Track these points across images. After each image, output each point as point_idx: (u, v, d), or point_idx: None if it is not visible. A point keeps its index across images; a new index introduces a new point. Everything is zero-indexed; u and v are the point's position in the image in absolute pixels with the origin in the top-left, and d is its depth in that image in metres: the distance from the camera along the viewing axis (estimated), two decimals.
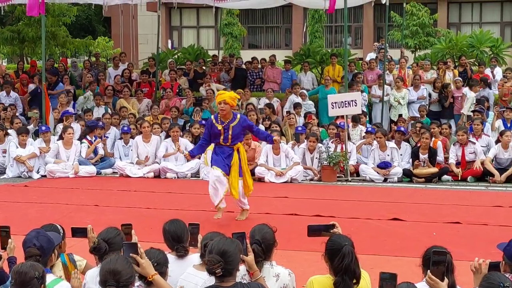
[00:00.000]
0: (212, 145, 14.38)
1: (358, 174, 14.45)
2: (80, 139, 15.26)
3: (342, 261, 4.57)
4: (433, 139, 14.33)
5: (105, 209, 10.89)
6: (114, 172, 15.10)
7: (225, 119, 9.78)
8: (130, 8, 29.20)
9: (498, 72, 19.01)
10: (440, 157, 14.20)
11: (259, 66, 20.62)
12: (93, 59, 22.88)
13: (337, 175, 14.15)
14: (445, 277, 4.41)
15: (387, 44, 21.27)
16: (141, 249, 4.60)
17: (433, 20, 26.98)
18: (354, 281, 4.61)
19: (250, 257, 4.81)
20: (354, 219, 10.09)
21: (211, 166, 10.08)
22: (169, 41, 33.03)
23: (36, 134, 15.84)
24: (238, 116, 9.95)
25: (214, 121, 9.89)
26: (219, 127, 9.79)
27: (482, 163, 13.87)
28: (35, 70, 21.02)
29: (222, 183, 9.80)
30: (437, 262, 4.41)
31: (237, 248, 4.47)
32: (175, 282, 5.09)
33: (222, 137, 9.81)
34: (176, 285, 5.08)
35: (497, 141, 14.33)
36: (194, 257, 5.45)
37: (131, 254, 4.48)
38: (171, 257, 5.40)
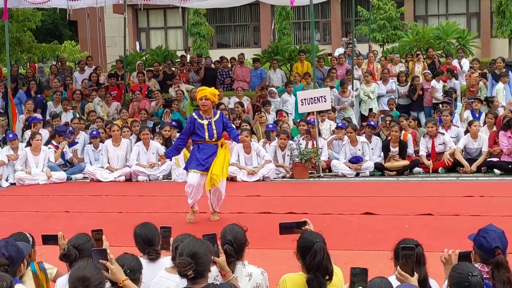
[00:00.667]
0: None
1: (330, 170, 14.46)
2: (46, 144, 15.07)
3: (314, 258, 4.57)
4: (403, 132, 14.39)
5: (76, 215, 10.79)
6: (84, 177, 14.95)
7: (207, 114, 9.83)
8: (96, 11, 28.97)
9: (465, 63, 19.15)
10: (410, 149, 14.28)
11: (229, 65, 20.58)
12: (59, 64, 22.62)
13: (309, 171, 14.16)
14: (415, 271, 4.42)
15: (355, 39, 21.34)
16: (111, 254, 4.55)
17: (400, 13, 27.16)
18: (327, 277, 4.62)
19: (222, 258, 4.79)
20: (327, 214, 10.12)
21: (188, 170, 10.10)
22: (137, 43, 32.84)
23: (3, 142, 15.63)
24: (218, 112, 10.05)
25: (196, 117, 9.89)
26: (205, 122, 9.81)
27: (453, 154, 13.95)
28: (1, 77, 20.76)
29: (200, 185, 9.85)
30: (406, 257, 4.42)
31: (207, 249, 4.46)
32: (147, 286, 5.05)
33: (207, 133, 9.83)
34: None
35: (466, 132, 14.44)
36: (166, 260, 5.42)
37: (100, 260, 4.43)
38: (142, 261, 5.36)
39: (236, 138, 10.63)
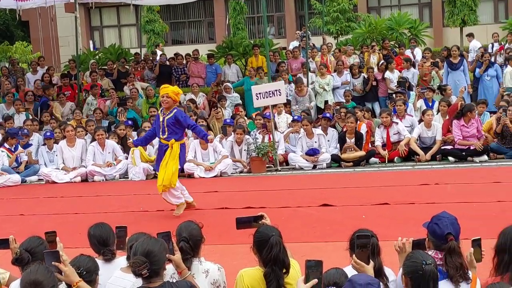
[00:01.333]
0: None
1: (287, 163, 14.49)
2: None
3: (270, 252, 4.58)
4: (358, 122, 14.49)
5: (31, 217, 10.64)
6: (39, 179, 14.75)
7: (166, 111, 9.94)
8: (48, 11, 28.60)
9: (418, 52, 19.37)
10: (364, 140, 14.37)
11: (184, 61, 20.49)
12: (10, 65, 22.28)
13: (266, 165, 14.16)
14: (371, 260, 4.44)
15: (309, 32, 21.40)
16: (64, 256, 4.49)
17: (353, 5, 27.30)
18: (284, 270, 4.62)
19: (177, 256, 4.76)
20: (285, 208, 10.14)
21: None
22: (91, 42, 32.50)
23: None
24: (175, 110, 10.00)
25: (160, 113, 10.09)
26: (161, 118, 9.95)
27: (408, 144, 14.08)
28: None
29: None
30: (361, 245, 4.44)
31: (162, 247, 4.42)
32: (102, 287, 5.00)
33: (161, 129, 9.94)
34: None
35: (420, 121, 14.59)
36: (121, 260, 5.38)
37: (53, 263, 4.36)
38: (98, 261, 5.31)
39: (205, 138, 10.60)
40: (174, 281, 4.51)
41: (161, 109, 10.26)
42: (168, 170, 9.89)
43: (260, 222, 5.20)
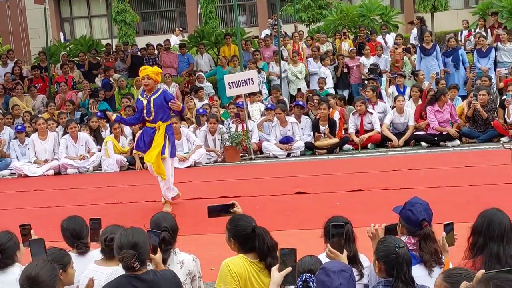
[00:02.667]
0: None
1: (261, 152, 14.50)
2: None
3: (264, 243, 4.61)
4: (331, 109, 14.52)
5: (3, 212, 10.53)
6: (12, 173, 14.61)
7: (148, 93, 9.66)
8: (17, 3, 28.30)
9: (390, 39, 19.44)
10: (337, 127, 14.42)
11: (155, 52, 20.37)
12: None
13: (241, 154, 14.16)
14: (345, 249, 4.47)
15: (280, 20, 21.38)
16: None
17: None
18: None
19: (158, 256, 4.74)
20: (259, 196, 10.17)
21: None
22: (61, 34, 32.18)
23: None
24: (161, 89, 9.82)
25: (140, 96, 9.82)
26: (144, 101, 9.64)
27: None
28: None
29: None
30: (335, 234, 4.46)
31: (145, 237, 4.42)
32: (77, 280, 4.97)
33: (145, 110, 9.64)
34: (78, 282, 4.97)
35: (393, 107, 14.66)
36: (95, 252, 5.35)
37: None
38: (72, 254, 5.28)
39: (182, 110, 10.26)
40: None
41: (140, 92, 10.00)
42: (154, 152, 9.64)
43: (231, 210, 5.20)
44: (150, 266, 4.62)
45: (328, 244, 4.46)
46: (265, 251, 4.61)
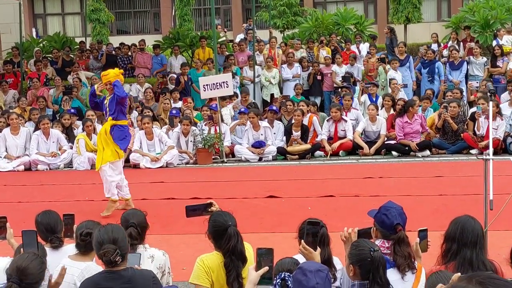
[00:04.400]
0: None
1: (233, 155, 14.54)
2: None
3: (228, 243, 4.67)
4: (309, 115, 14.62)
5: None
6: None
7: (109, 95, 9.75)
8: None
9: (363, 48, 19.60)
10: (318, 130, 14.52)
11: (129, 52, 20.31)
12: None
13: (213, 157, 14.18)
14: (319, 247, 4.52)
15: (254, 25, 21.45)
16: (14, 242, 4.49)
17: (299, 0, 27.45)
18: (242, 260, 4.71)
19: None
20: (231, 199, 10.19)
21: None
22: (34, 30, 31.92)
23: None
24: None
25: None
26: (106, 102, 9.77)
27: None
28: None
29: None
30: (310, 232, 4.51)
31: (124, 233, 4.47)
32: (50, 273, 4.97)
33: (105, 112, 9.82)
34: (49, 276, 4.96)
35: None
36: (68, 247, 5.35)
37: None
38: (46, 248, 5.28)
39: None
40: None
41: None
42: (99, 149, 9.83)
43: (209, 209, 5.24)
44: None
45: (302, 241, 4.52)
46: (226, 250, 4.68)
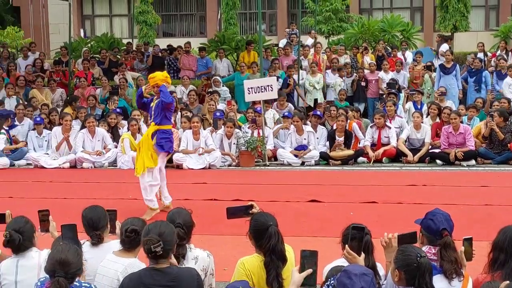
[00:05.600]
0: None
1: (276, 159, 14.53)
2: None
3: (269, 242, 4.67)
4: (349, 121, 14.55)
5: (19, 200, 10.62)
6: (28, 164, 14.70)
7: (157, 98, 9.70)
8: None
9: (409, 55, 19.46)
10: (360, 136, 14.46)
11: (177, 55, 20.45)
12: (1, 49, 22.16)
13: (255, 160, 14.20)
14: (364, 253, 4.50)
15: (297, 30, 21.43)
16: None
17: (345, 6, 27.35)
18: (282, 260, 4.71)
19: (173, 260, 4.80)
20: (273, 202, 10.17)
21: None
22: (82, 30, 32.38)
23: None
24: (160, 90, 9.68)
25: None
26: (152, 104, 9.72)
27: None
28: None
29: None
30: (355, 237, 4.49)
31: (172, 230, 4.51)
32: (94, 269, 5.03)
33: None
34: (95, 272, 5.02)
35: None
36: (112, 243, 5.38)
37: None
38: (86, 244, 5.34)
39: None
40: None
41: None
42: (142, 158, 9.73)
43: (250, 211, 5.25)
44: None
45: (346, 246, 4.50)
46: (266, 249, 4.69)
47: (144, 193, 9.68)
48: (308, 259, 4.20)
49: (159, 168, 9.76)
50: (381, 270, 4.87)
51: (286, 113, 15.28)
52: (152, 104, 9.70)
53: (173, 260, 4.59)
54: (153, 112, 9.66)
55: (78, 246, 4.83)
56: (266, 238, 4.68)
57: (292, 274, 4.22)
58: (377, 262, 4.89)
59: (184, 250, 5.05)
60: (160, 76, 9.68)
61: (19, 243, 5.01)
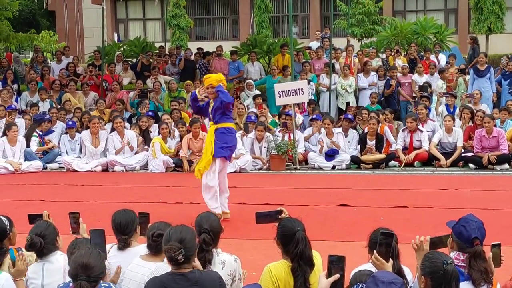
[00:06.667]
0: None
1: (306, 162, 14.50)
2: (28, 134, 15.04)
3: (296, 247, 4.65)
4: (380, 125, 14.46)
5: (51, 203, 10.68)
6: (60, 167, 14.86)
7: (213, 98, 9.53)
8: (74, 2, 28.88)
9: (442, 58, 19.27)
10: (391, 139, 14.35)
11: (209, 60, 20.49)
12: (34, 54, 22.48)
13: (286, 163, 14.18)
14: (391, 259, 4.46)
15: (332, 33, 21.37)
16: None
17: (378, 8, 27.18)
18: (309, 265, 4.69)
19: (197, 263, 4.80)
20: (303, 206, 10.17)
21: None
22: (115, 34, 32.66)
23: None
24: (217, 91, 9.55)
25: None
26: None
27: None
28: None
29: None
30: (383, 243, 4.46)
31: (193, 235, 4.51)
32: (122, 273, 5.05)
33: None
34: (122, 275, 5.04)
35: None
36: (138, 248, 5.40)
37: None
38: (114, 247, 5.38)
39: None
40: None
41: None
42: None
43: (279, 217, 5.25)
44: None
45: (374, 251, 4.47)
46: (293, 255, 4.66)
47: (203, 195, 9.61)
48: (336, 264, 4.18)
49: (216, 171, 9.51)
50: (409, 275, 4.82)
51: (315, 116, 15.20)
52: (209, 107, 9.56)
53: (197, 263, 4.58)
54: (214, 114, 9.49)
55: (103, 251, 4.86)
56: (293, 243, 4.66)
57: (320, 279, 4.21)
58: (406, 266, 4.85)
59: (210, 255, 5.04)
60: (215, 77, 9.60)
61: (41, 246, 5.05)
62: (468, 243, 4.59)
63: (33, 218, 5.52)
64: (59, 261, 5.10)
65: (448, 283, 4.08)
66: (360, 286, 3.99)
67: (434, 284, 4.13)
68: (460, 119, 14.85)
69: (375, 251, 4.47)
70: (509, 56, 19.03)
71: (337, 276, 4.12)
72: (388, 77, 17.66)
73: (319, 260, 4.93)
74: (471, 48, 19.05)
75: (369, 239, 4.90)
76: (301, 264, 4.64)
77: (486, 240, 4.84)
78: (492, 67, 17.32)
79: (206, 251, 4.99)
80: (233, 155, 13.87)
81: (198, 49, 21.39)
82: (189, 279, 4.33)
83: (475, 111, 14.56)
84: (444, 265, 4.12)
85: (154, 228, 5.15)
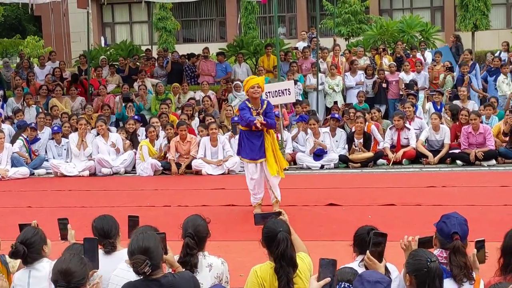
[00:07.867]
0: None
1: (295, 163, 14.48)
2: (13, 140, 14.98)
3: (278, 248, 4.66)
4: (367, 123, 14.47)
5: (38, 210, 10.67)
6: (48, 172, 14.78)
7: (256, 105, 9.58)
8: (60, 6, 28.71)
9: (428, 55, 19.33)
10: (378, 138, 14.35)
11: (196, 63, 20.50)
12: (19, 59, 22.42)
13: None
14: (384, 259, 4.49)
15: (318, 33, 21.39)
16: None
17: (364, 7, 27.25)
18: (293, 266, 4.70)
19: (170, 255, 4.84)
20: (291, 206, 10.13)
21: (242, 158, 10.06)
22: (102, 38, 32.60)
23: None
24: (266, 101, 9.79)
25: (250, 105, 9.61)
26: (255, 114, 9.54)
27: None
28: None
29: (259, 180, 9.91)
30: (376, 243, 4.48)
31: (156, 241, 4.48)
32: (107, 278, 5.03)
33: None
34: (108, 281, 5.02)
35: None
36: (125, 251, 5.37)
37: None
38: (100, 252, 5.35)
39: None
40: None
41: (243, 104, 9.77)
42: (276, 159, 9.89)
43: (278, 218, 5.25)
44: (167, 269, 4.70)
45: (368, 252, 4.50)
46: (275, 255, 4.69)
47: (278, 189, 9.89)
48: (327, 267, 4.18)
49: None
50: (394, 272, 4.83)
51: (298, 118, 15.18)
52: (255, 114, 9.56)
53: (166, 265, 4.64)
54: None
55: (95, 261, 4.83)
56: (275, 244, 4.67)
57: (310, 282, 4.21)
58: (392, 264, 4.86)
59: (196, 259, 5.05)
60: (260, 79, 9.89)
61: (25, 255, 5.03)
62: (449, 239, 4.61)
63: (23, 228, 5.45)
64: (45, 268, 5.08)
65: (432, 280, 4.10)
66: (343, 285, 3.99)
67: (419, 282, 4.15)
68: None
69: (368, 251, 4.48)
70: (493, 52, 19.11)
71: (328, 279, 4.12)
72: (376, 76, 17.69)
73: (306, 260, 4.93)
74: (454, 46, 19.10)
75: (354, 237, 4.91)
76: (283, 265, 4.66)
77: (473, 236, 4.85)
78: (477, 64, 17.38)
79: (191, 255, 5.00)
80: (221, 157, 14.02)
81: (188, 54, 21.40)
82: (163, 284, 4.32)
83: (459, 109, 14.57)
84: (428, 263, 4.14)
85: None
